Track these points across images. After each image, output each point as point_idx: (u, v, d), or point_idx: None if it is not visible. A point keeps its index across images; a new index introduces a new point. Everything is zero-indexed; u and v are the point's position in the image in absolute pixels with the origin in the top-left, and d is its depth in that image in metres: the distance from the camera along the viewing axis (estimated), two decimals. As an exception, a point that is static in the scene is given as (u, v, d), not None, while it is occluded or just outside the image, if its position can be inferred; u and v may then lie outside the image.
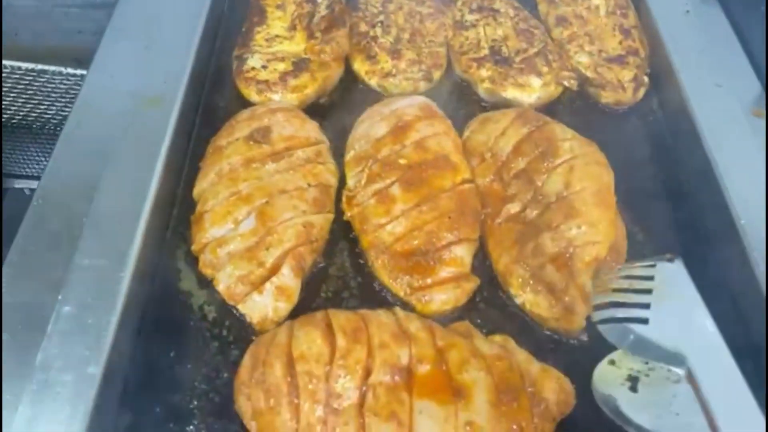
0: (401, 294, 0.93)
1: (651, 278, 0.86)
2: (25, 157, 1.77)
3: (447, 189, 1.00)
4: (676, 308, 0.81)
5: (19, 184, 1.82)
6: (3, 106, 1.62)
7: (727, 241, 0.99)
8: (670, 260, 0.87)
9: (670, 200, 1.10)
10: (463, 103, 1.23)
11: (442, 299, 0.92)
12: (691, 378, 0.74)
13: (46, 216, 0.96)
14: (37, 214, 0.96)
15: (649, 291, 0.84)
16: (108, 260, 0.89)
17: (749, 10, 1.31)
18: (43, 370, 0.78)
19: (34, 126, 1.70)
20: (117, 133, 1.06)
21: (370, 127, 1.08)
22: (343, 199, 1.02)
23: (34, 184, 1.78)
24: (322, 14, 1.19)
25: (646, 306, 0.82)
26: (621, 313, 0.83)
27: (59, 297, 0.84)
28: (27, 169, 1.80)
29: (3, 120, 1.66)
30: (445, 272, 0.93)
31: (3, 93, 1.58)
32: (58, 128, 1.71)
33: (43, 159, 1.77)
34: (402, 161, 1.02)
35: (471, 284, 0.94)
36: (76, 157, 1.04)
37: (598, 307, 0.87)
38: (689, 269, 0.99)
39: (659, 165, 1.15)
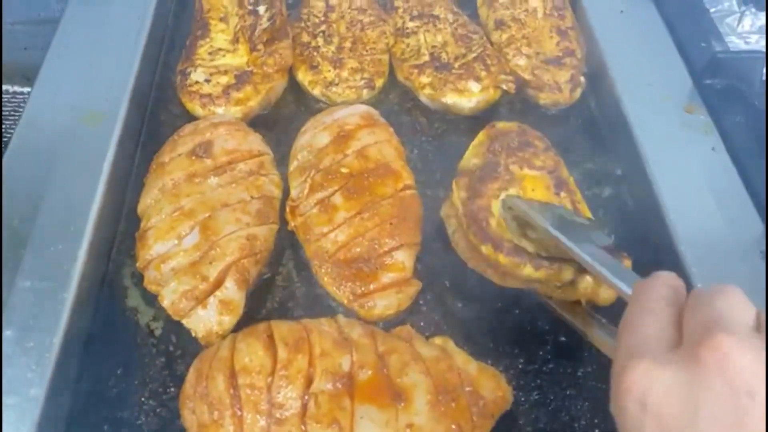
0: (345, 301, 0.96)
1: None
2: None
3: (388, 196, 1.02)
4: None
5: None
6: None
7: (658, 236, 1.03)
8: None
9: (608, 198, 1.14)
10: (405, 109, 1.25)
11: (385, 304, 0.95)
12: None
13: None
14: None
15: None
16: (50, 281, 0.89)
17: (681, 8, 1.35)
18: (-15, 395, 0.79)
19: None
20: (60, 150, 1.06)
21: (312, 137, 1.10)
22: (287, 209, 1.04)
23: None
24: (264, 26, 1.21)
25: None
26: None
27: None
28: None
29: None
30: (386, 278, 0.96)
31: (-51, 113, 1.57)
32: (6, 147, 1.70)
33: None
34: (344, 170, 1.04)
35: (413, 288, 0.97)
36: (20, 177, 1.04)
37: None
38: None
39: (597, 164, 1.18)
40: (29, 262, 0.91)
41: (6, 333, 0.84)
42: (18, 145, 1.09)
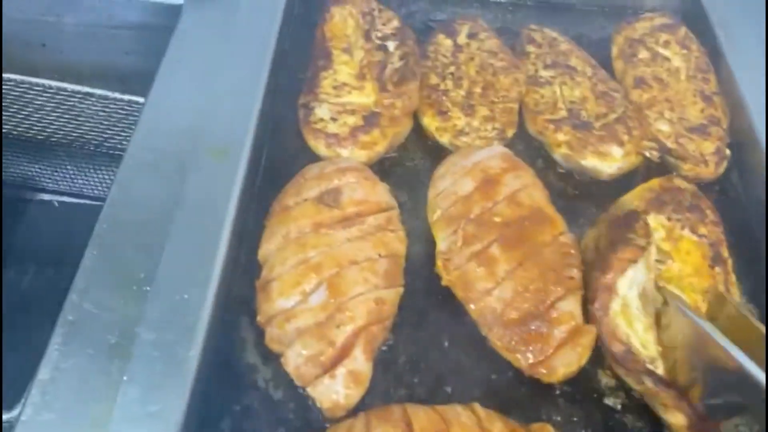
0: (525, 369, 0.89)
1: None
2: (59, 173, 1.74)
3: (548, 243, 0.95)
4: None
5: (49, 197, 1.79)
6: (45, 125, 1.58)
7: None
8: None
9: (748, 283, 1.04)
10: (534, 165, 1.16)
11: (566, 363, 0.88)
12: None
13: (103, 271, 0.91)
14: (89, 271, 0.91)
15: None
16: (175, 335, 0.84)
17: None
18: (109, 464, 0.74)
19: (74, 145, 1.65)
20: (176, 178, 1.01)
21: (454, 184, 1.03)
22: (438, 263, 0.97)
23: (64, 198, 1.75)
24: (396, 66, 1.14)
25: None
26: None
27: (124, 378, 0.80)
28: (61, 185, 1.76)
29: (43, 137, 1.62)
30: (559, 332, 0.89)
31: (47, 112, 1.54)
32: (98, 149, 1.67)
33: (79, 177, 1.73)
34: (497, 219, 0.97)
35: (588, 337, 0.90)
36: (133, 204, 0.99)
37: None
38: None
39: (739, 246, 1.09)
40: (151, 312, 0.85)
41: (132, 390, 0.78)
42: (130, 168, 1.04)
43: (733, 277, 0.97)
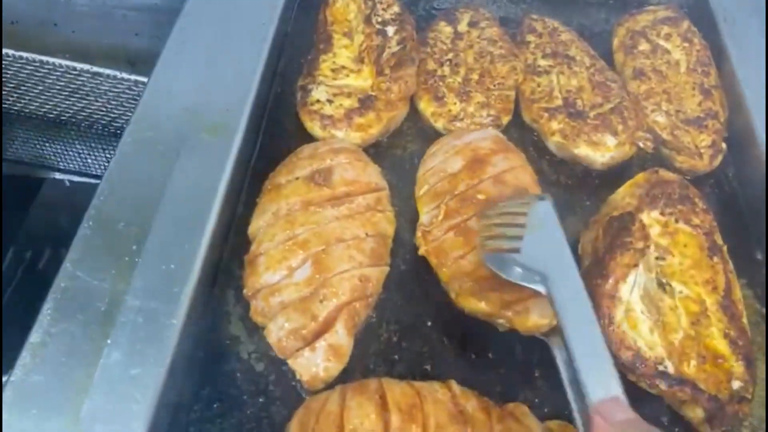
0: (495, 310, 0.88)
1: (524, 214, 0.89)
2: (70, 153, 1.77)
3: None
4: (543, 239, 0.86)
5: (60, 176, 1.82)
6: (55, 103, 1.61)
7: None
8: (541, 198, 0.90)
9: (744, 284, 1.03)
10: (527, 153, 1.16)
11: (540, 312, 0.87)
12: (549, 294, 0.80)
13: (96, 242, 0.93)
14: (84, 242, 0.93)
15: (522, 225, 0.87)
16: (159, 303, 0.86)
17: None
18: (89, 421, 0.76)
19: (83, 125, 1.69)
20: (172, 155, 1.03)
21: (443, 162, 1.04)
22: (418, 234, 0.98)
23: (74, 178, 1.79)
24: (393, 50, 1.15)
25: (519, 238, 0.86)
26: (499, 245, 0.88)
27: (108, 341, 0.82)
28: (71, 164, 1.79)
29: (54, 116, 1.65)
30: None
31: (57, 91, 1.57)
32: (105, 128, 1.70)
33: (89, 156, 1.76)
34: (480, 196, 0.98)
35: None
36: (129, 180, 1.00)
37: (483, 241, 0.91)
38: None
39: (733, 242, 1.08)
40: (140, 279, 0.87)
41: (114, 354, 0.81)
42: (129, 144, 1.06)
43: (731, 265, 0.97)
